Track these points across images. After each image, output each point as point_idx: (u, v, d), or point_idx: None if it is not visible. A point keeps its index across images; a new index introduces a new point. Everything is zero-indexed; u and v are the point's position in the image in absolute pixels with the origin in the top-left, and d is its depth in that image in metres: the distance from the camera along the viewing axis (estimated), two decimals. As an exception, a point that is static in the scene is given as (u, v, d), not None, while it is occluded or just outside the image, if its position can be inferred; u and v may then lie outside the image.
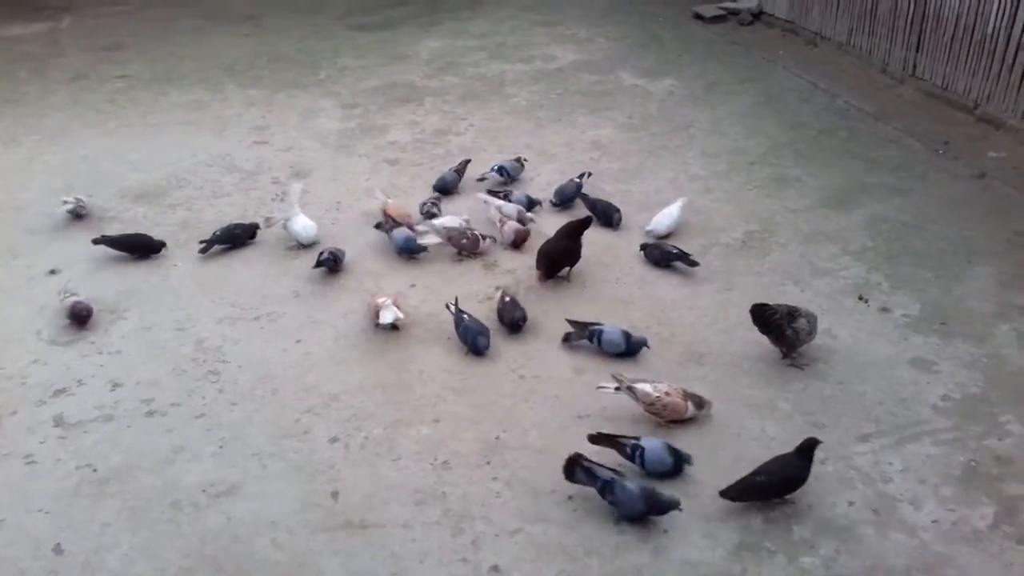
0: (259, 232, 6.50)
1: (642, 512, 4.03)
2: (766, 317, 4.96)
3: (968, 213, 6.46)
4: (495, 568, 3.88)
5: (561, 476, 4.25)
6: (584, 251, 5.91)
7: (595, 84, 9.32)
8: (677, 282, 5.76)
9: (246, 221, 6.56)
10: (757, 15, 10.94)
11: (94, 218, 6.87)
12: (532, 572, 3.86)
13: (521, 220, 6.37)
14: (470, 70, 9.86)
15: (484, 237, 6.16)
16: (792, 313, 4.92)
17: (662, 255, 5.98)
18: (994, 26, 7.58)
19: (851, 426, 4.54)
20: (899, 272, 5.78)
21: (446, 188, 7.04)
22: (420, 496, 4.26)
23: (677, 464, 4.27)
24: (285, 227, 6.40)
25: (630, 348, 5.11)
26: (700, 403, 4.60)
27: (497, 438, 4.59)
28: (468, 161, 7.30)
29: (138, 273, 6.16)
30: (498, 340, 5.30)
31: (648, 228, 6.28)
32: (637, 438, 4.33)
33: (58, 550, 4.04)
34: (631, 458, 4.29)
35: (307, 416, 4.79)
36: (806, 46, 9.99)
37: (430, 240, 6.18)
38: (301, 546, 4.03)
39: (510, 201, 6.63)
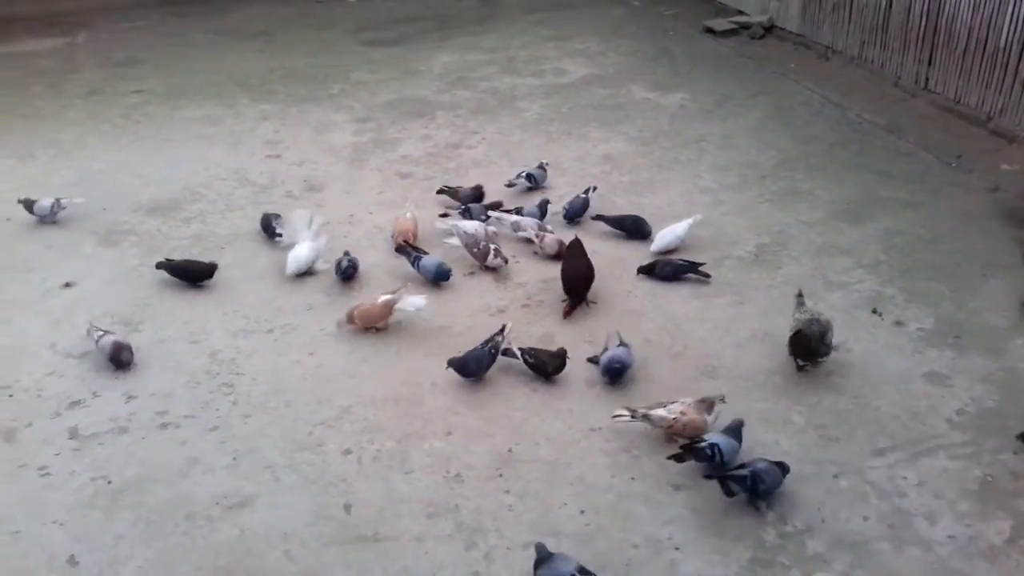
0: (216, 273, 6.17)
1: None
2: (811, 348, 4.92)
3: (982, 226, 6.44)
4: (508, 582, 3.88)
5: (574, 489, 4.25)
6: (596, 264, 5.91)
7: (606, 98, 9.34)
8: (688, 295, 5.75)
9: (205, 259, 6.30)
10: (768, 29, 10.96)
11: (77, 220, 6.93)
12: (545, 586, 3.85)
13: (543, 229, 6.40)
14: (482, 84, 9.91)
15: (497, 253, 6.12)
16: (822, 335, 4.89)
17: (674, 270, 5.97)
18: (1006, 39, 7.57)
19: (866, 440, 4.52)
20: (913, 286, 5.77)
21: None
22: (432, 509, 4.26)
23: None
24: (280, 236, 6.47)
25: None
26: (711, 405, 4.54)
27: (509, 451, 4.59)
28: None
29: (152, 286, 6.20)
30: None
31: (652, 248, 6.27)
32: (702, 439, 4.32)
33: (72, 562, 4.05)
34: (711, 458, 4.26)
35: (320, 429, 4.80)
36: (818, 59, 10.00)
37: (453, 242, 6.21)
38: (313, 559, 4.04)
39: (522, 215, 6.66)
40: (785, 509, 4.14)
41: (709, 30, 11.20)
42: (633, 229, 6.52)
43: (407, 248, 6.18)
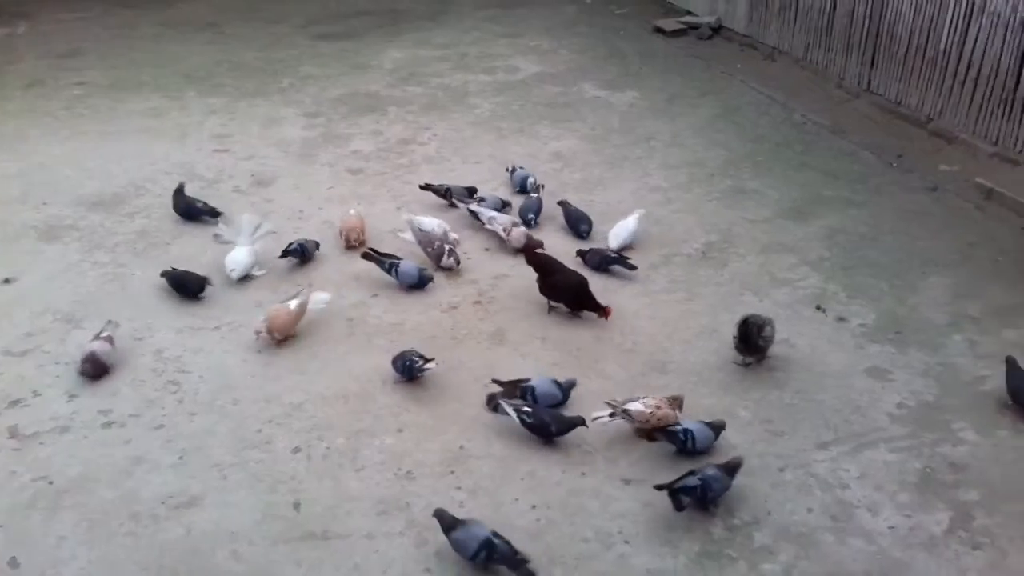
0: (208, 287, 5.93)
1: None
2: (749, 336, 5.02)
3: (922, 225, 6.62)
4: (459, 578, 3.88)
5: (525, 484, 4.29)
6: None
7: (558, 96, 9.38)
8: (638, 291, 5.81)
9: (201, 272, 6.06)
10: (716, 30, 11.09)
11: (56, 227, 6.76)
12: (496, 581, 3.87)
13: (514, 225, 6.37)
14: (433, 80, 9.87)
15: (451, 254, 6.06)
16: (760, 327, 5.02)
17: (601, 260, 6.05)
18: (946, 43, 7.78)
19: (809, 434, 4.62)
20: (855, 282, 5.90)
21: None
22: (383, 506, 4.25)
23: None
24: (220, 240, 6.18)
25: (565, 395, 4.81)
26: (680, 404, 4.65)
27: (461, 447, 4.59)
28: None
29: (95, 282, 6.07)
30: (461, 352, 5.32)
31: (611, 244, 6.30)
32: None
33: (13, 564, 3.95)
34: (683, 443, 4.40)
35: (268, 426, 4.75)
36: (764, 60, 10.16)
37: (406, 236, 6.17)
38: (262, 558, 4.00)
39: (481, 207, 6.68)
40: (732, 503, 4.21)
41: (659, 30, 11.30)
42: (573, 226, 6.55)
43: (375, 255, 5.95)
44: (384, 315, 5.69)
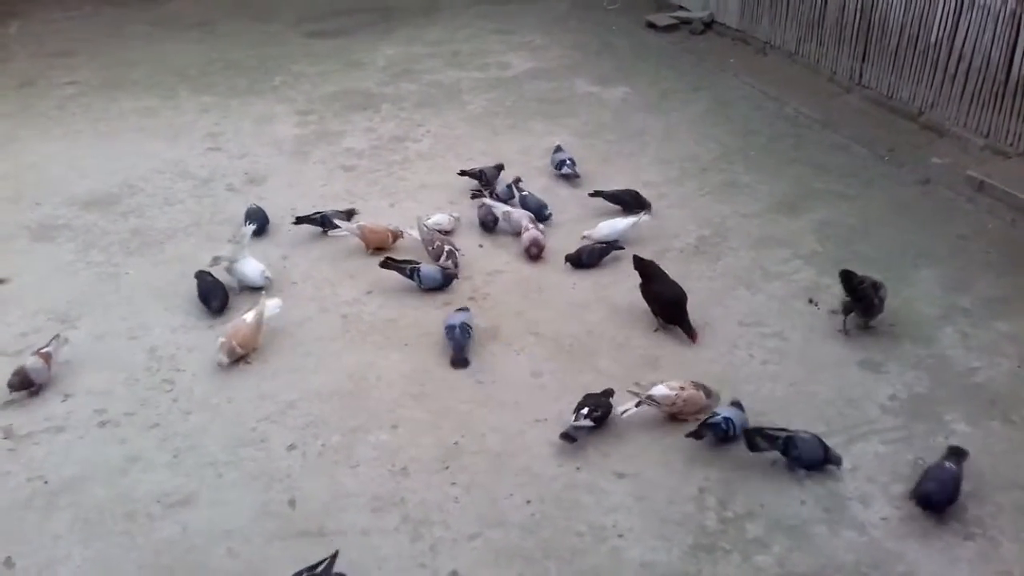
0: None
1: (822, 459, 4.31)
2: (854, 285, 5.22)
3: (913, 218, 6.64)
4: (454, 573, 3.90)
5: (520, 480, 4.30)
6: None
7: (550, 92, 9.39)
8: (632, 286, 5.81)
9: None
10: (709, 24, 11.10)
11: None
12: (491, 576, 3.89)
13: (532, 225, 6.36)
14: (426, 77, 9.87)
15: (450, 255, 6.02)
16: (876, 284, 5.23)
17: (589, 253, 6.07)
18: (937, 36, 7.80)
19: (802, 426, 4.60)
20: (848, 276, 5.92)
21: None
22: (378, 503, 4.26)
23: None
24: (229, 270, 5.88)
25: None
26: (708, 392, 4.70)
27: (456, 443, 4.61)
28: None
29: (88, 282, 6.07)
30: (456, 346, 5.34)
31: (593, 234, 6.30)
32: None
33: (9, 563, 3.96)
34: (725, 431, 4.42)
35: (264, 424, 4.76)
36: (756, 55, 10.18)
37: (413, 233, 6.17)
38: (257, 554, 4.01)
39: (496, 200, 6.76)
40: (725, 495, 4.24)
41: (651, 25, 11.30)
42: (632, 202, 6.64)
43: (393, 262, 5.89)
44: (379, 311, 5.71)
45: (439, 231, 6.32)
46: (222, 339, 5.18)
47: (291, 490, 4.34)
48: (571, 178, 7.31)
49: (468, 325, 5.29)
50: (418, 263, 5.90)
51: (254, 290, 5.80)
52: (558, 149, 7.56)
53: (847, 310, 5.32)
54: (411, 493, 4.31)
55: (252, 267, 5.89)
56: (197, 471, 4.46)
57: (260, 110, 9.02)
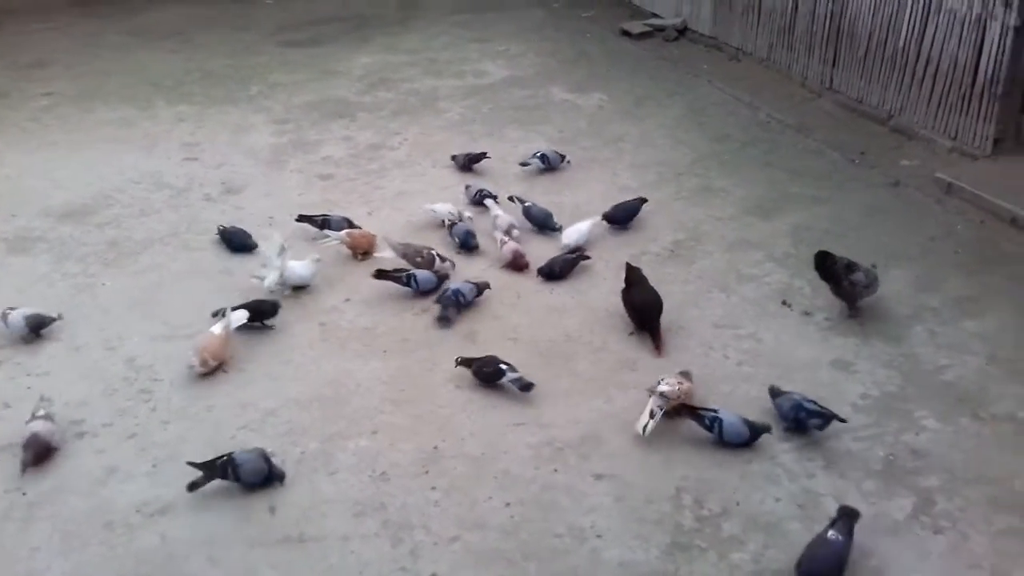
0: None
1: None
2: (827, 265, 5.42)
3: (884, 220, 6.75)
4: (434, 576, 3.93)
5: (499, 483, 4.34)
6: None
7: (526, 99, 9.46)
8: (608, 290, 5.88)
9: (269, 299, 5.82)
10: (682, 31, 11.23)
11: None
12: (471, 578, 3.92)
13: (509, 233, 6.41)
14: (403, 85, 9.92)
15: (443, 259, 6.08)
16: (850, 266, 5.39)
17: (562, 265, 6.09)
18: (904, 41, 7.95)
19: (777, 425, 4.69)
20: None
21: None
22: (359, 508, 4.28)
23: (753, 434, 4.52)
24: (283, 280, 5.90)
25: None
26: (689, 376, 4.86)
27: (435, 448, 4.64)
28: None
29: (65, 293, 6.05)
30: (434, 353, 5.36)
31: (562, 243, 6.37)
32: (715, 410, 4.58)
33: (-14, 576, 3.96)
34: (709, 428, 4.54)
35: (243, 432, 4.77)
36: (729, 61, 10.31)
37: (387, 255, 6.12)
38: (238, 562, 4.02)
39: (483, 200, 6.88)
40: (701, 494, 4.30)
41: (625, 32, 11.42)
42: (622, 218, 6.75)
43: (385, 273, 5.88)
44: (357, 319, 5.73)
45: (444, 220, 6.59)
46: (192, 354, 5.17)
47: (271, 497, 4.35)
48: (548, 168, 7.57)
49: (460, 291, 5.61)
50: (410, 270, 5.93)
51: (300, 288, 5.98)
52: (535, 154, 7.71)
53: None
54: (391, 498, 4.33)
55: (302, 265, 5.97)
56: (176, 480, 4.45)
57: (237, 120, 9.03)
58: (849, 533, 3.87)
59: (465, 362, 5.08)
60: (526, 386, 4.96)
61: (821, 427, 4.56)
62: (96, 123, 8.97)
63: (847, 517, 3.94)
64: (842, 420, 4.58)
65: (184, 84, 10.03)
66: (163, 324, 5.70)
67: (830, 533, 3.87)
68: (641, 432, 4.58)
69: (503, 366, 4.99)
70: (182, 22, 12.36)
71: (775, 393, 4.74)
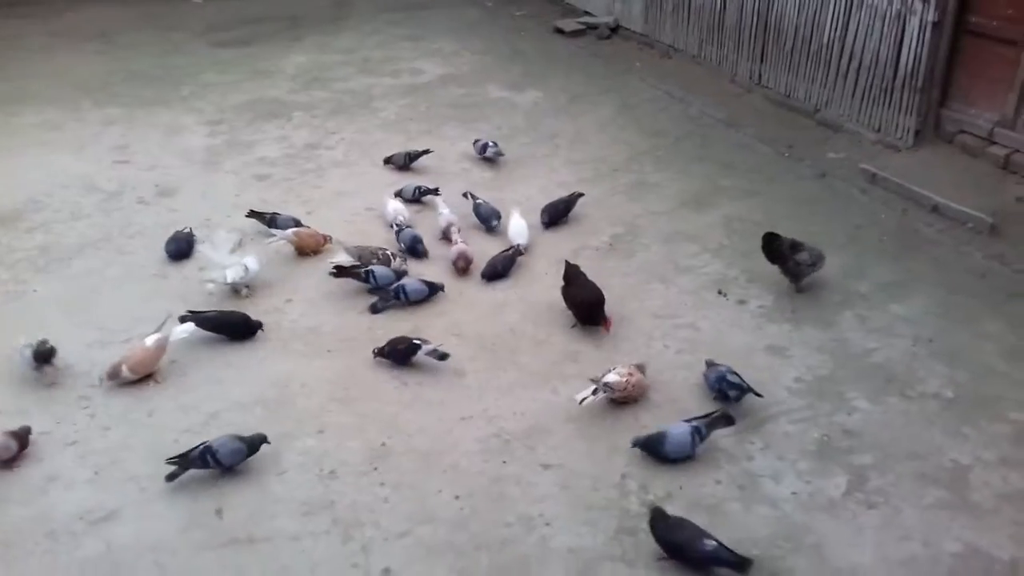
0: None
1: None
2: (774, 246, 5.70)
3: (813, 210, 6.97)
4: (387, 571, 3.96)
5: (448, 476, 4.38)
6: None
7: (463, 97, 9.50)
8: (550, 285, 5.95)
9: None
10: (614, 29, 11.39)
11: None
12: (423, 572, 3.96)
13: (447, 232, 6.45)
14: (338, 84, 9.86)
15: (396, 256, 6.10)
16: (794, 245, 5.67)
17: (503, 263, 6.16)
18: (829, 37, 8.21)
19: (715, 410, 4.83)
20: (754, 267, 6.16)
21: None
22: (308, 507, 4.28)
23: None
24: (247, 274, 5.88)
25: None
26: (643, 369, 4.98)
27: (383, 444, 4.66)
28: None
29: (-5, 300, 5.90)
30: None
31: (515, 243, 6.40)
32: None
33: (-77, 591, 3.85)
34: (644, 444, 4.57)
35: (186, 436, 4.71)
36: (661, 58, 10.50)
37: (343, 260, 6.05)
38: (186, 566, 3.99)
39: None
40: (646, 479, 4.40)
41: (559, 30, 11.54)
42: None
43: (344, 270, 5.87)
44: (300, 319, 5.71)
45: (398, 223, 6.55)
46: (114, 362, 5.07)
47: (218, 499, 4.33)
48: (497, 157, 7.80)
49: (404, 288, 5.74)
50: (368, 267, 5.91)
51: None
52: (476, 141, 7.89)
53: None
54: (340, 496, 4.34)
55: (252, 260, 5.99)
56: (119, 486, 4.40)
57: (168, 121, 8.87)
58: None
59: (379, 351, 5.17)
60: (442, 356, 5.10)
61: (738, 398, 4.78)
62: (22, 127, 8.71)
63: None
64: (758, 395, 4.79)
65: (111, 85, 9.80)
66: (98, 329, 5.59)
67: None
68: (579, 402, 4.75)
69: (416, 341, 5.10)
70: (106, 22, 12.06)
71: (708, 365, 4.96)
